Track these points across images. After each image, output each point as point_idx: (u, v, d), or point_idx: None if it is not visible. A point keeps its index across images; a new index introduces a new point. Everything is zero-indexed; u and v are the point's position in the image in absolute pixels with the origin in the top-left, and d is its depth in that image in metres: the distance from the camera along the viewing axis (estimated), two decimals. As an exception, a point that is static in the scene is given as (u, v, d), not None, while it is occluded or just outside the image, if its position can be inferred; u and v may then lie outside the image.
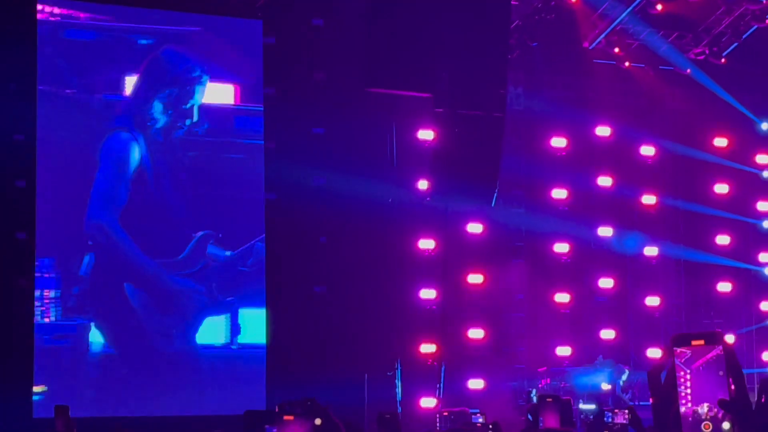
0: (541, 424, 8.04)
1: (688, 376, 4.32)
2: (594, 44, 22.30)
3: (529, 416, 17.03)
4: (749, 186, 23.88)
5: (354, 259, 19.80)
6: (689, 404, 4.48)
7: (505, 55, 19.58)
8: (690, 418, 4.30)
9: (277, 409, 12.97)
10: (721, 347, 4.28)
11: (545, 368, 21.93)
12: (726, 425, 4.16)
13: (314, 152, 19.28)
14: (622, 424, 9.36)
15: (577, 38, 22.25)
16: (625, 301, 22.99)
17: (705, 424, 4.18)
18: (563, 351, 22.14)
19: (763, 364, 23.13)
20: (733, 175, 23.63)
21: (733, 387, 4.23)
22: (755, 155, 24.01)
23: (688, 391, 4.43)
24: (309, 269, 19.50)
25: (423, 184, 20.59)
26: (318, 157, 19.19)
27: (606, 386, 21.50)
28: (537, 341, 22.14)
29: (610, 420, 9.40)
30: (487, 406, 17.62)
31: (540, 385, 21.58)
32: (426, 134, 20.33)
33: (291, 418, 6.08)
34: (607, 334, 22.50)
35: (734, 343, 23.10)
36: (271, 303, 18.71)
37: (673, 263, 23.48)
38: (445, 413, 17.06)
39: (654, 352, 22.79)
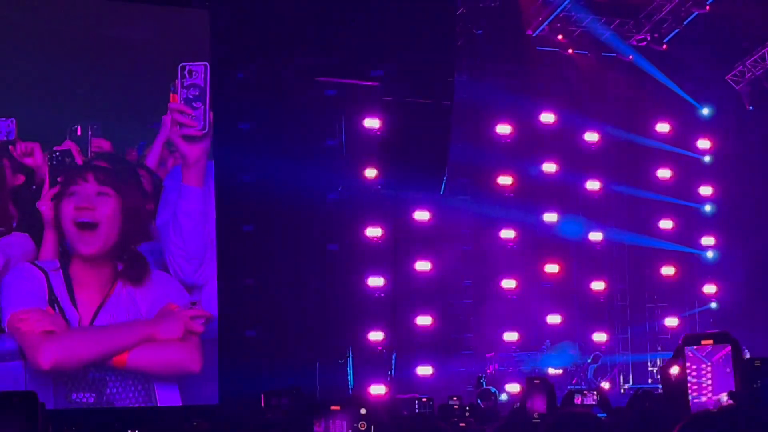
0: (528, 406, 8.11)
1: (710, 368, 4.43)
2: (537, 31, 22.46)
3: (479, 401, 17.24)
4: (691, 171, 24.18)
5: (302, 248, 19.82)
6: (710, 394, 4.60)
7: (453, 43, 19.66)
8: (712, 407, 4.41)
9: (262, 399, 13.05)
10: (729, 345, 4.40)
11: (493, 354, 22.11)
12: (723, 396, 4.29)
13: (262, 141, 19.21)
14: (590, 405, 9.50)
15: (520, 25, 22.40)
16: (571, 286, 23.20)
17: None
18: (510, 336, 22.32)
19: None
20: (676, 161, 23.92)
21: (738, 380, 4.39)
22: (697, 140, 24.31)
23: (710, 382, 4.54)
24: (257, 258, 19.45)
25: (371, 173, 20.66)
26: (267, 146, 19.12)
27: (554, 371, 21.74)
28: (485, 327, 22.29)
29: (579, 401, 9.53)
30: (436, 392, 17.70)
31: (488, 371, 21.77)
32: (372, 122, 20.40)
33: (338, 408, 6.12)
34: (554, 318, 22.70)
35: (678, 326, 23.55)
36: (221, 292, 18.63)
37: (617, 248, 23.74)
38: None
39: (600, 336, 23.08)
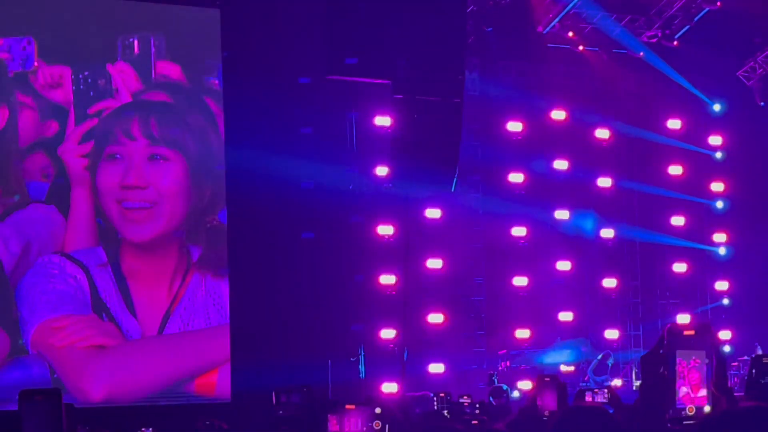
0: (539, 404, 8.14)
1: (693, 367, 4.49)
2: (548, 29, 22.44)
3: (491, 399, 17.26)
4: (703, 167, 24.13)
5: (314, 246, 19.86)
6: (691, 391, 4.64)
7: (463, 41, 19.63)
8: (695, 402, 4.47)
9: (273, 396, 13.08)
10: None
11: (505, 351, 22.12)
12: (706, 408, 4.33)
13: (275, 141, 19.26)
14: (602, 402, 9.52)
15: (531, 23, 22.38)
16: (583, 283, 23.19)
17: (689, 408, 4.35)
18: (522, 333, 22.32)
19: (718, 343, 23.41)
20: (687, 157, 23.87)
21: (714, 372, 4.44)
22: (708, 136, 24.26)
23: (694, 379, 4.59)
24: (271, 256, 19.51)
25: (382, 171, 20.70)
26: (280, 143, 19.18)
27: (566, 368, 21.75)
28: (496, 324, 22.30)
29: (590, 399, 9.57)
30: (448, 390, 17.72)
31: (500, 368, 21.79)
32: (383, 120, 20.45)
33: (353, 407, 6.18)
34: (565, 316, 22.69)
35: (690, 323, 23.51)
36: (234, 288, 18.69)
37: (629, 245, 23.73)
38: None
39: (612, 333, 23.07)
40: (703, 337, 4.41)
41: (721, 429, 3.99)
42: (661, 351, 4.47)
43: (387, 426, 6.14)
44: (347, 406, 6.25)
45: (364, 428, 6.18)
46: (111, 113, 14.92)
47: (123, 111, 14.77)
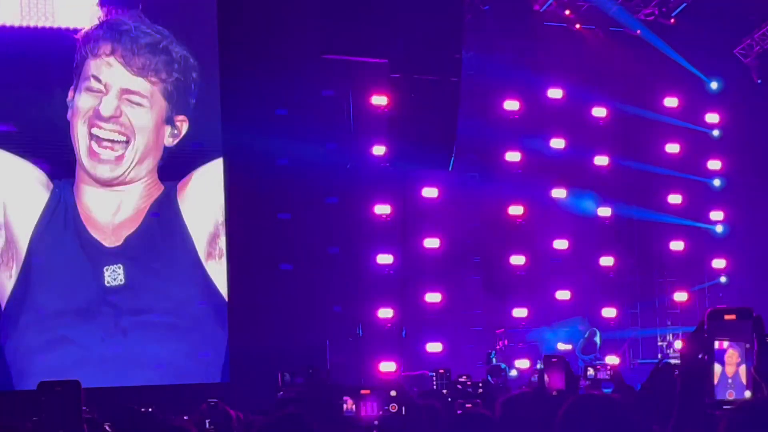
0: (546, 384, 8.14)
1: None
2: (545, 7, 22.37)
3: (489, 377, 17.27)
4: (700, 145, 24.09)
5: (312, 226, 19.83)
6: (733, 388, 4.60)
7: (461, 19, 19.60)
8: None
9: (279, 378, 13.08)
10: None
11: (503, 330, 22.13)
12: (747, 393, 4.28)
13: (272, 122, 19.22)
14: (603, 379, 9.53)
15: (527, 1, 22.33)
16: (580, 262, 23.17)
17: (729, 393, 4.30)
18: (520, 312, 22.32)
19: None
20: (684, 135, 23.84)
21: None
22: (705, 114, 24.21)
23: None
24: (268, 236, 19.50)
25: (379, 150, 20.66)
26: (276, 127, 19.14)
27: (563, 346, 21.76)
28: (494, 303, 22.30)
29: (592, 376, 9.58)
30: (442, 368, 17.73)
31: (498, 347, 21.79)
32: (380, 99, 20.40)
33: (368, 392, 6.15)
34: (563, 294, 22.69)
35: (687, 301, 23.55)
36: (232, 269, 18.69)
37: (626, 223, 23.71)
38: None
39: (609, 311, 23.08)
40: (744, 322, 4.35)
41: (763, 415, 3.96)
42: (701, 335, 4.40)
43: (403, 408, 6.11)
44: (363, 391, 6.22)
45: (380, 411, 6.15)
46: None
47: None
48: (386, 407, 6.13)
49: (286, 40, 19.37)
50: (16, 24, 17.53)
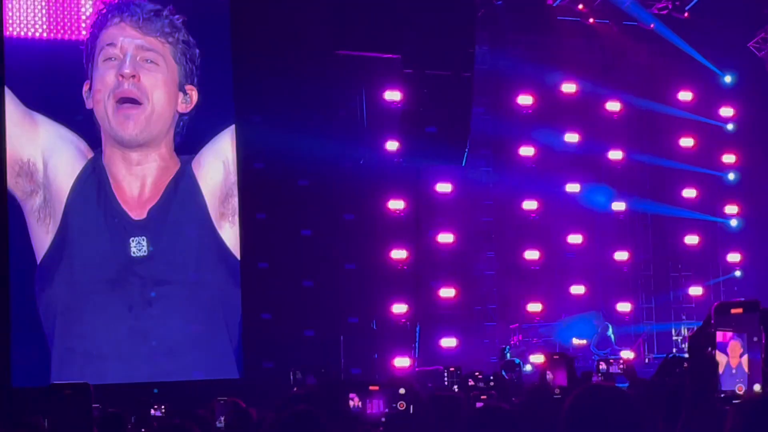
0: (550, 381, 8.12)
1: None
2: (558, 1, 22.33)
3: (504, 373, 17.24)
4: (714, 139, 24.04)
5: (325, 221, 19.83)
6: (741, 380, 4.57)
7: (473, 14, 19.58)
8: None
9: (291, 376, 13.09)
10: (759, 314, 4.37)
11: (517, 325, 22.10)
12: (757, 387, 4.25)
13: (285, 117, 19.21)
14: (616, 373, 9.51)
15: (541, -5, 22.32)
16: (594, 257, 23.14)
17: (738, 387, 4.27)
18: (534, 307, 22.29)
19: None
20: (698, 129, 23.78)
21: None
22: (719, 108, 24.15)
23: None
24: (282, 228, 19.50)
25: (392, 146, 20.65)
26: (289, 121, 19.12)
27: (578, 341, 21.74)
28: (508, 298, 22.28)
29: (605, 370, 9.55)
30: (460, 364, 17.71)
31: (512, 342, 21.77)
32: (393, 95, 20.39)
33: (376, 388, 6.11)
34: (577, 289, 22.66)
35: (702, 295, 23.49)
36: (245, 265, 18.70)
37: (640, 218, 23.67)
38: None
39: (624, 306, 23.04)
40: (752, 315, 4.32)
41: None
42: (708, 330, 4.37)
43: (411, 407, 6.07)
44: (371, 387, 6.17)
45: (387, 409, 6.12)
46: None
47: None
48: (394, 405, 6.08)
49: (299, 36, 19.35)
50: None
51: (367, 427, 6.22)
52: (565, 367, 8.23)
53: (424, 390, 9.91)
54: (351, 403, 6.13)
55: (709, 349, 4.34)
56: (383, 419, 6.14)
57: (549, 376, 8.22)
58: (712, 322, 4.38)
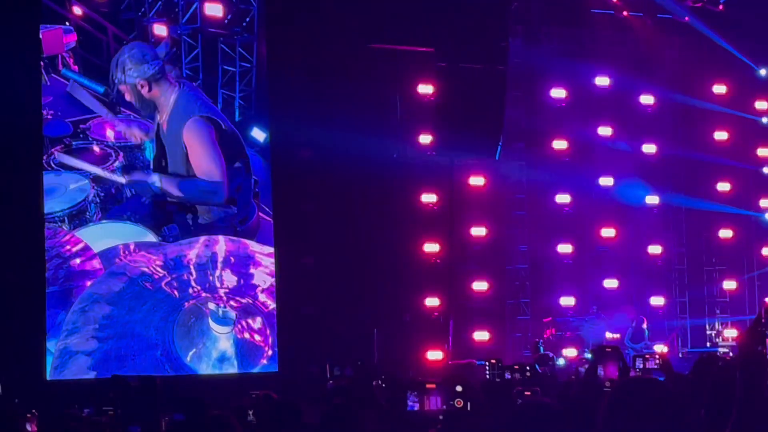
0: (600, 374, 8.09)
1: None
2: (592, -6, 22.27)
3: (537, 367, 17.18)
4: (749, 132, 23.91)
5: (359, 214, 19.81)
6: None
7: (507, 7, 19.56)
8: None
9: (328, 370, 13.12)
10: None
11: (550, 318, 22.06)
12: None
13: (320, 109, 19.22)
14: (653, 368, 9.48)
15: (574, -12, 22.25)
16: (628, 251, 23.06)
17: None
18: (567, 301, 22.26)
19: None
20: (733, 122, 23.66)
21: None
22: (754, 101, 24.02)
23: None
24: (314, 222, 19.51)
25: (426, 139, 20.63)
26: (324, 114, 19.13)
27: (611, 335, 21.67)
28: (541, 292, 22.25)
29: (641, 365, 9.54)
30: (493, 358, 17.69)
31: (545, 336, 21.72)
32: (426, 88, 20.38)
33: (433, 386, 6.13)
34: (610, 283, 22.60)
35: (736, 289, 23.38)
36: (279, 259, 18.74)
37: (674, 211, 23.57)
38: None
39: (657, 300, 22.96)
40: None
41: None
42: (759, 329, 4.35)
43: (468, 404, 6.07)
44: (428, 385, 6.19)
45: (445, 406, 6.12)
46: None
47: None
48: (451, 402, 6.09)
49: (332, 30, 19.34)
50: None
51: (425, 425, 6.22)
52: (616, 361, 8.20)
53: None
54: (408, 401, 6.13)
55: (760, 347, 4.32)
56: (441, 417, 6.14)
57: (599, 370, 8.19)
58: (763, 321, 4.35)
